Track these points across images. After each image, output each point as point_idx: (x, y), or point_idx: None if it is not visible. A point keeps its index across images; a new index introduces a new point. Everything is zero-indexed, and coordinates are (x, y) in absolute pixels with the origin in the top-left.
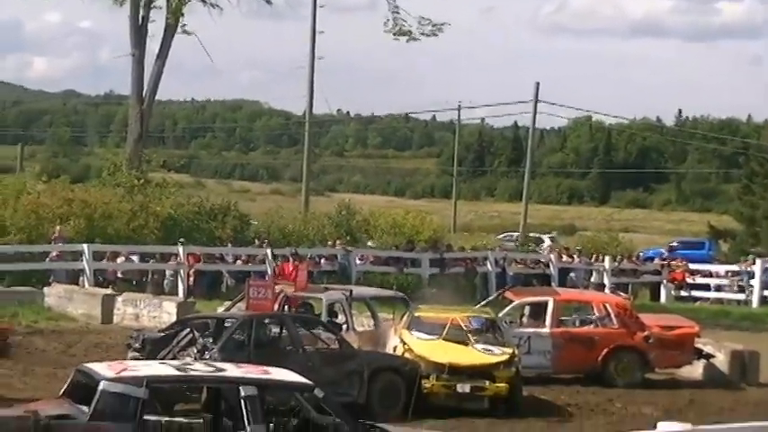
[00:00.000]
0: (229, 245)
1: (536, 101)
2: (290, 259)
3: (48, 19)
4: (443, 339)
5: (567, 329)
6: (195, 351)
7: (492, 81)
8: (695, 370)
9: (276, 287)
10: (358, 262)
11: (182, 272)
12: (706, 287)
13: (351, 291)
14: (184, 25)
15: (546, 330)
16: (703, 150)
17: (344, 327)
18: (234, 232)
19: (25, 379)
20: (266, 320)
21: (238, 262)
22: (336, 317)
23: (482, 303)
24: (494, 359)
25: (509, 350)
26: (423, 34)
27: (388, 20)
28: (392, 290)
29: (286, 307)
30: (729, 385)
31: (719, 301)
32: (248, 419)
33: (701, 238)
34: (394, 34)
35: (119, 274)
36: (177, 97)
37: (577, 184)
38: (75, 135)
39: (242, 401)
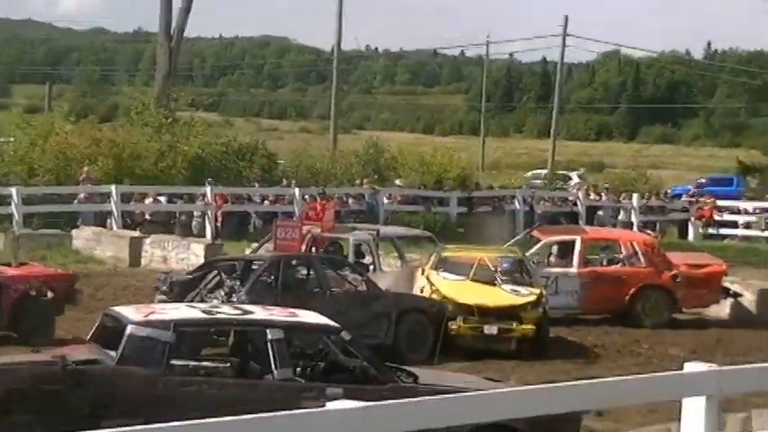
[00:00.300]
0: (257, 185)
1: (564, 35)
2: (317, 199)
3: None
4: (471, 280)
5: (594, 269)
6: (222, 293)
7: (520, 14)
8: (722, 309)
9: (303, 228)
10: (385, 201)
11: (209, 213)
12: (734, 224)
13: (378, 231)
14: None
15: (573, 270)
16: (732, 84)
17: (371, 267)
18: (262, 172)
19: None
20: (293, 262)
21: (266, 202)
22: (363, 257)
23: (510, 243)
24: (521, 300)
25: (536, 291)
26: None
27: None
28: (419, 229)
29: (313, 248)
30: (757, 324)
31: (747, 238)
32: (275, 363)
33: (729, 175)
34: None
35: (146, 216)
36: (205, 34)
37: (606, 120)
38: (104, 73)
39: (269, 344)
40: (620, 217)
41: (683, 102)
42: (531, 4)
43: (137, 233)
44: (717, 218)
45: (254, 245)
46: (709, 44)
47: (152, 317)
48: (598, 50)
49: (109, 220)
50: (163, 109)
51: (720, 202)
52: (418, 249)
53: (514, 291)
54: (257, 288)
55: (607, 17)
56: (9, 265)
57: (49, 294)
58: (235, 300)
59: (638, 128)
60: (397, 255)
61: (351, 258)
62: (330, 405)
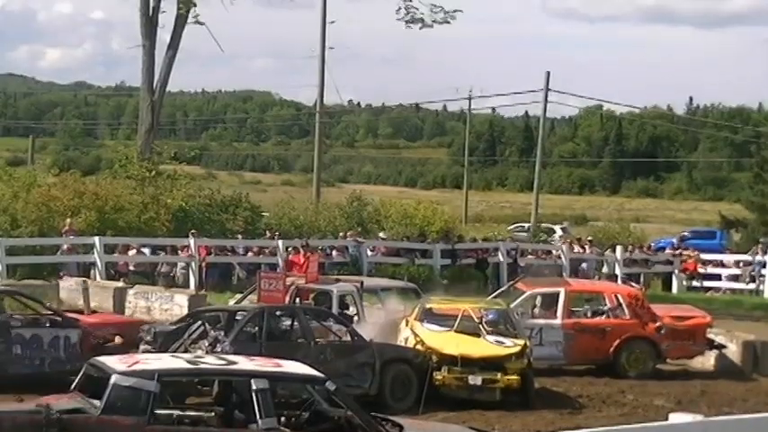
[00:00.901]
0: (240, 237)
1: (546, 90)
2: (301, 250)
3: (59, 9)
4: (455, 331)
5: (578, 320)
6: (206, 344)
7: (503, 70)
8: (707, 360)
9: (288, 279)
10: (369, 253)
11: (193, 264)
12: (718, 277)
13: (362, 282)
14: (197, 15)
15: (558, 321)
16: (714, 139)
17: (356, 318)
18: (245, 224)
19: None
20: (278, 312)
21: (249, 254)
22: (348, 308)
23: (494, 294)
24: (505, 351)
25: (521, 341)
26: (435, 22)
27: (399, 8)
28: (403, 281)
29: (297, 299)
30: (741, 376)
31: (731, 290)
32: (260, 412)
33: (712, 228)
34: (406, 22)
35: (130, 267)
36: (188, 88)
37: (588, 174)
38: (87, 127)
39: (253, 394)
40: (603, 269)
41: (666, 156)
42: (513, 59)
43: (121, 284)
44: (701, 270)
45: (238, 296)
46: (690, 99)
47: (136, 367)
48: (580, 105)
49: (93, 271)
50: (146, 162)
51: (704, 256)
52: (403, 301)
53: (499, 342)
54: (241, 338)
55: (589, 72)
56: (82, 312)
57: (118, 339)
58: (219, 350)
59: (620, 182)
60: (381, 306)
61: (335, 309)
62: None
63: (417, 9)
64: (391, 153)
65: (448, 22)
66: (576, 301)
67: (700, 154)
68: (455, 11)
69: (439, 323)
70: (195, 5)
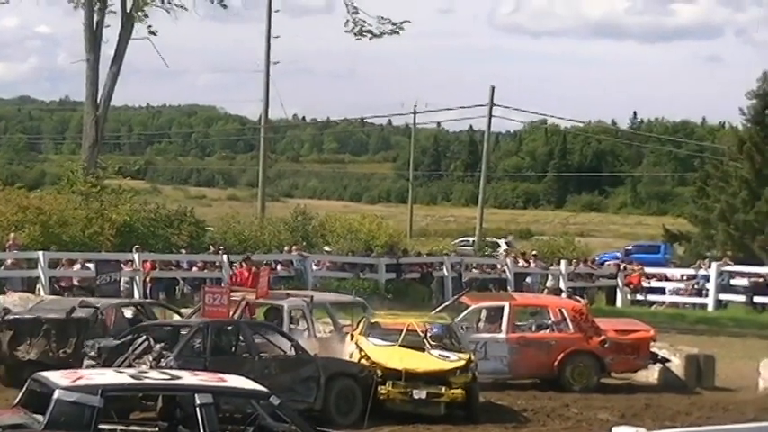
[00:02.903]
0: (184, 251)
1: (491, 105)
2: (243, 265)
3: (4, 24)
4: (399, 345)
5: (523, 334)
6: (151, 359)
7: (448, 84)
8: (651, 374)
9: (237, 294)
10: (314, 267)
11: (137, 279)
12: (662, 291)
13: (312, 297)
14: (150, 26)
15: (502, 335)
16: (658, 153)
17: (306, 333)
18: (190, 238)
19: None
20: (222, 327)
21: (194, 268)
22: (298, 323)
23: (438, 308)
24: (450, 365)
25: (465, 356)
26: (384, 33)
27: (347, 21)
28: (351, 295)
29: (247, 314)
30: (685, 389)
31: (675, 304)
32: (204, 427)
33: (656, 242)
34: (355, 34)
35: (74, 282)
36: (133, 103)
37: (533, 188)
38: (30, 141)
39: (197, 409)
40: (548, 283)
41: (610, 170)
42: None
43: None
44: (644, 284)
45: (184, 310)
46: (635, 114)
47: (80, 382)
48: (525, 120)
49: (38, 286)
50: (90, 177)
51: (648, 269)
52: (349, 315)
53: (443, 356)
54: (186, 353)
55: (534, 87)
56: None
57: None
58: (163, 365)
59: (565, 196)
60: (329, 320)
61: (286, 324)
62: None
63: (365, 21)
64: (336, 168)
65: (397, 33)
66: (521, 315)
67: (644, 168)
68: (403, 22)
69: (383, 337)
70: (147, 16)
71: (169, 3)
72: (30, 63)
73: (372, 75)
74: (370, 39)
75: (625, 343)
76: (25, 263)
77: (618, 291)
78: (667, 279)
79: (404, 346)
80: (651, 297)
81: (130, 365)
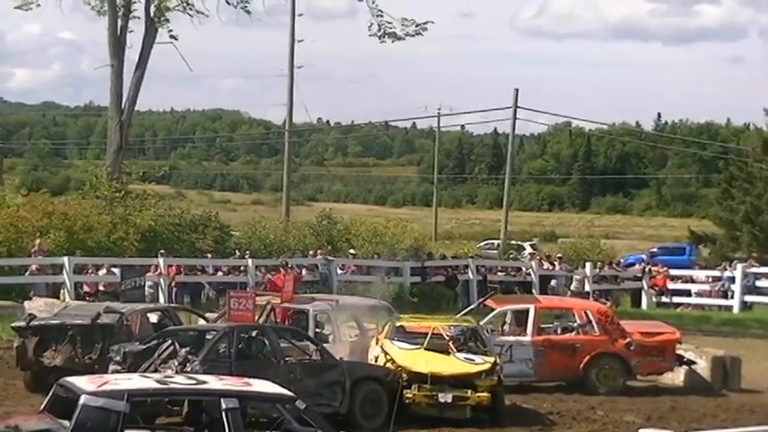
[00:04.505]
0: (209, 256)
1: (515, 107)
2: (282, 271)
3: (29, 30)
4: (425, 349)
5: (548, 337)
6: (176, 363)
7: (471, 87)
8: (677, 376)
9: (263, 298)
10: (339, 271)
11: (162, 283)
12: (687, 293)
13: (337, 301)
14: (170, 31)
15: (527, 338)
16: (683, 155)
17: (331, 337)
18: (215, 243)
19: (5, 393)
20: (247, 332)
21: (219, 273)
22: (323, 328)
23: (464, 312)
24: (475, 368)
25: (491, 359)
26: (407, 35)
27: (371, 24)
28: (376, 299)
29: (273, 318)
30: (711, 391)
31: (700, 306)
32: None
33: (681, 244)
34: (379, 37)
35: (100, 287)
36: (157, 107)
37: (558, 191)
38: (55, 147)
39: (223, 414)
40: (573, 286)
41: (635, 173)
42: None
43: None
44: (670, 286)
45: (210, 315)
46: (659, 116)
47: (105, 387)
48: (549, 122)
49: (62, 292)
50: (115, 182)
51: (673, 271)
52: (374, 319)
53: (469, 359)
54: (211, 358)
55: (557, 90)
56: None
57: None
58: (189, 369)
59: (589, 198)
60: (355, 324)
61: (311, 328)
62: None
63: (390, 23)
64: (360, 171)
65: (420, 34)
66: (546, 318)
67: (668, 170)
68: (426, 22)
69: (409, 341)
70: (169, 21)
71: (191, 9)
72: (54, 69)
73: (395, 78)
74: (393, 41)
75: (651, 345)
76: (50, 268)
77: (643, 293)
78: (692, 281)
79: (429, 350)
80: (676, 299)
81: (156, 370)
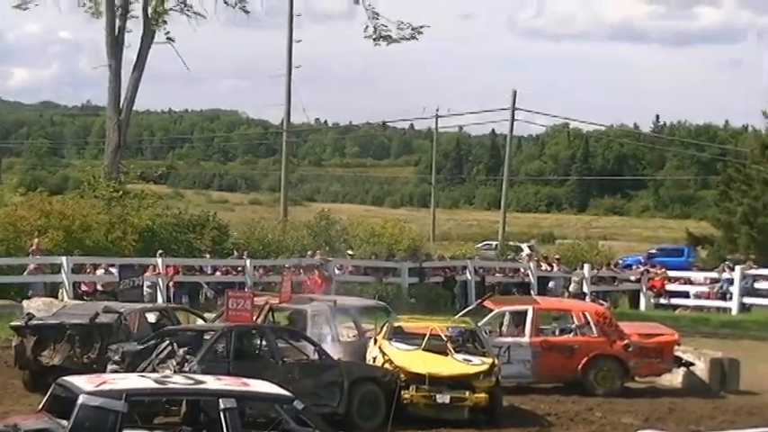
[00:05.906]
0: (207, 256)
1: (513, 108)
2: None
3: (27, 30)
4: (423, 349)
5: (546, 338)
6: (174, 363)
7: (470, 88)
8: (675, 378)
9: (261, 299)
10: (337, 272)
11: (160, 283)
12: (685, 294)
13: (335, 302)
14: (167, 32)
15: (525, 339)
16: (681, 156)
17: (329, 338)
18: (213, 243)
19: (4, 393)
20: (245, 332)
21: (217, 273)
22: (321, 328)
23: (462, 313)
24: (473, 369)
25: (489, 360)
26: (403, 38)
27: (367, 26)
28: (373, 299)
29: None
30: (709, 393)
31: (699, 308)
32: None
33: (679, 245)
34: (374, 39)
35: (98, 286)
36: (155, 107)
37: (556, 192)
38: (53, 147)
39: (221, 414)
40: (571, 287)
41: (633, 174)
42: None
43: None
44: (668, 288)
45: (208, 315)
46: (657, 117)
47: (104, 387)
48: (547, 123)
49: (60, 291)
50: (113, 182)
51: (671, 273)
52: (372, 319)
53: (467, 360)
54: (209, 358)
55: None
56: None
57: None
58: (187, 369)
59: (587, 200)
60: (352, 325)
61: (309, 329)
62: None
63: (385, 26)
64: (358, 172)
65: (415, 38)
66: (544, 319)
67: (666, 172)
68: (421, 27)
69: (407, 342)
70: (166, 23)
71: (188, 10)
72: (52, 69)
73: (394, 79)
74: (388, 44)
75: (649, 347)
76: (48, 268)
77: (641, 294)
78: (691, 282)
79: (427, 351)
80: (675, 301)
81: (154, 370)
